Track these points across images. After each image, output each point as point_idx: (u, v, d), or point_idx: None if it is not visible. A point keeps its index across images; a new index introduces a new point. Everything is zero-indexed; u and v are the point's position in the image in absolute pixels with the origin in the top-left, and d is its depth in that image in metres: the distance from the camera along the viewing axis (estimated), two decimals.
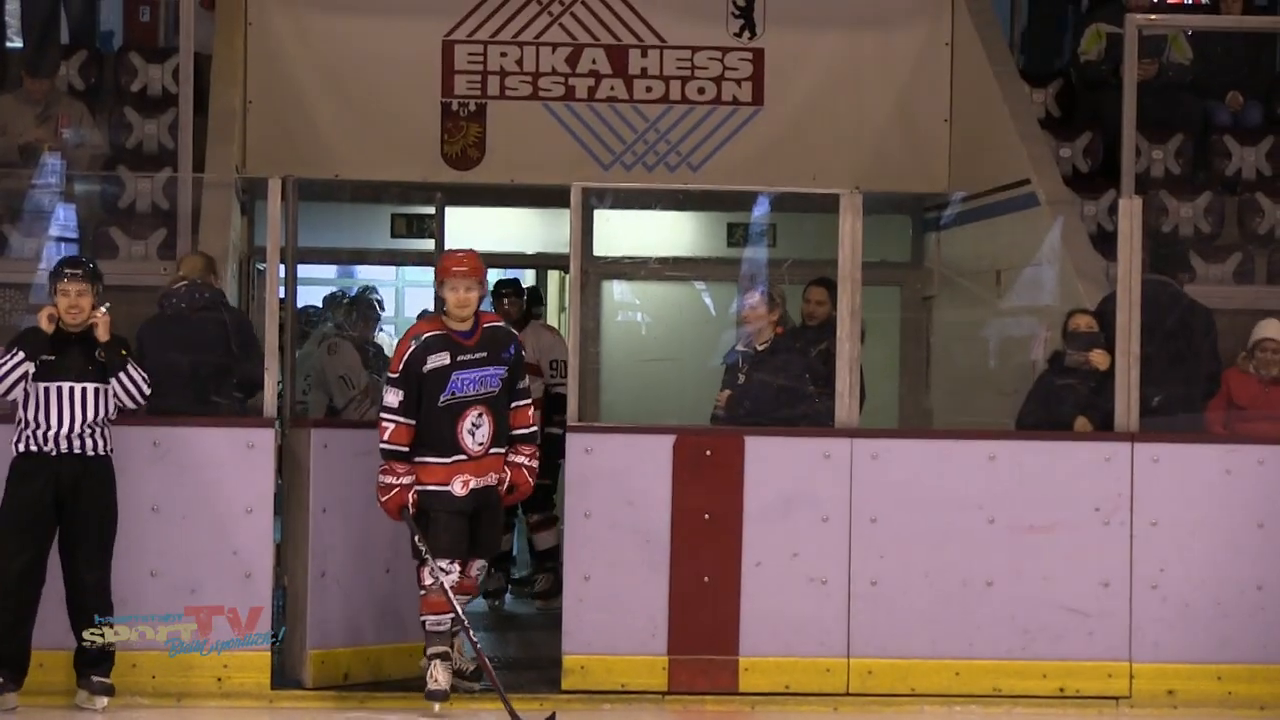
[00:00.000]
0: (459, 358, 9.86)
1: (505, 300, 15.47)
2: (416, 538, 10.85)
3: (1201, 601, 12.32)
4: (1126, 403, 12.48)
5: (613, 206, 14.47)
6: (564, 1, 15.51)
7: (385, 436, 11.12)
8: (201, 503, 12.55)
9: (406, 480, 10.80)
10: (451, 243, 16.64)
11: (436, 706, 10.92)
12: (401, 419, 10.64)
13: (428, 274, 15.93)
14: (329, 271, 17.44)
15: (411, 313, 19.41)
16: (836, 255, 12.84)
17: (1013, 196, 14.89)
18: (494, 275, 15.26)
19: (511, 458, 11.20)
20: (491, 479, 10.99)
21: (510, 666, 13.57)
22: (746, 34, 15.49)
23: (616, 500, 12.39)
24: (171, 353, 12.79)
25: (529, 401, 10.91)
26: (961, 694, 12.28)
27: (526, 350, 13.39)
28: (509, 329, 10.66)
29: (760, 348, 13.57)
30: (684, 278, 16.59)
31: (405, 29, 15.29)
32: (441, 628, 10.92)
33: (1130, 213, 12.83)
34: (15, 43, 17.67)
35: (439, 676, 10.97)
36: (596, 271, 13.42)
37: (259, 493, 12.62)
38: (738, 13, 15.39)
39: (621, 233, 15.21)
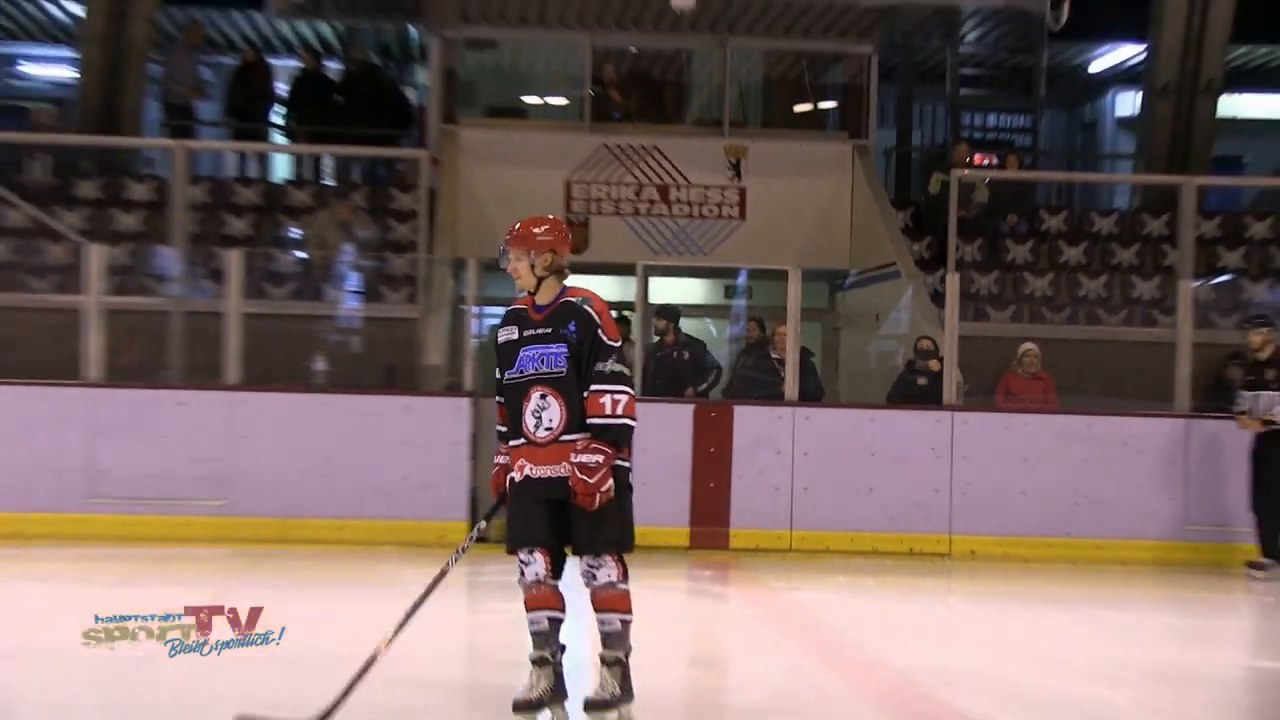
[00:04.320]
0: (525, 333, 6.33)
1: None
2: (479, 525, 6.73)
3: (991, 500, 12.56)
4: (950, 389, 12.86)
5: (659, 275, 14.74)
6: (633, 160, 15.75)
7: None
8: (433, 436, 12.78)
9: (502, 460, 6.55)
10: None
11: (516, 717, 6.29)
12: (498, 397, 6.61)
13: None
14: (500, 309, 17.48)
15: None
16: (786, 303, 13.32)
17: (885, 271, 15.06)
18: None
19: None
20: (563, 470, 6.23)
21: None
22: (736, 179, 15.78)
23: (664, 441, 12.65)
24: None
25: (605, 387, 6.22)
26: (854, 551, 12.39)
27: None
28: (581, 305, 6.38)
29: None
30: (699, 316, 16.89)
31: (545, 174, 15.39)
32: (537, 627, 6.35)
33: (952, 283, 13.10)
34: (328, 181, 17.58)
35: (530, 682, 6.35)
36: (649, 312, 13.73)
37: (463, 433, 12.74)
38: (731, 168, 15.67)
39: (664, 290, 15.48)
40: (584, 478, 6.06)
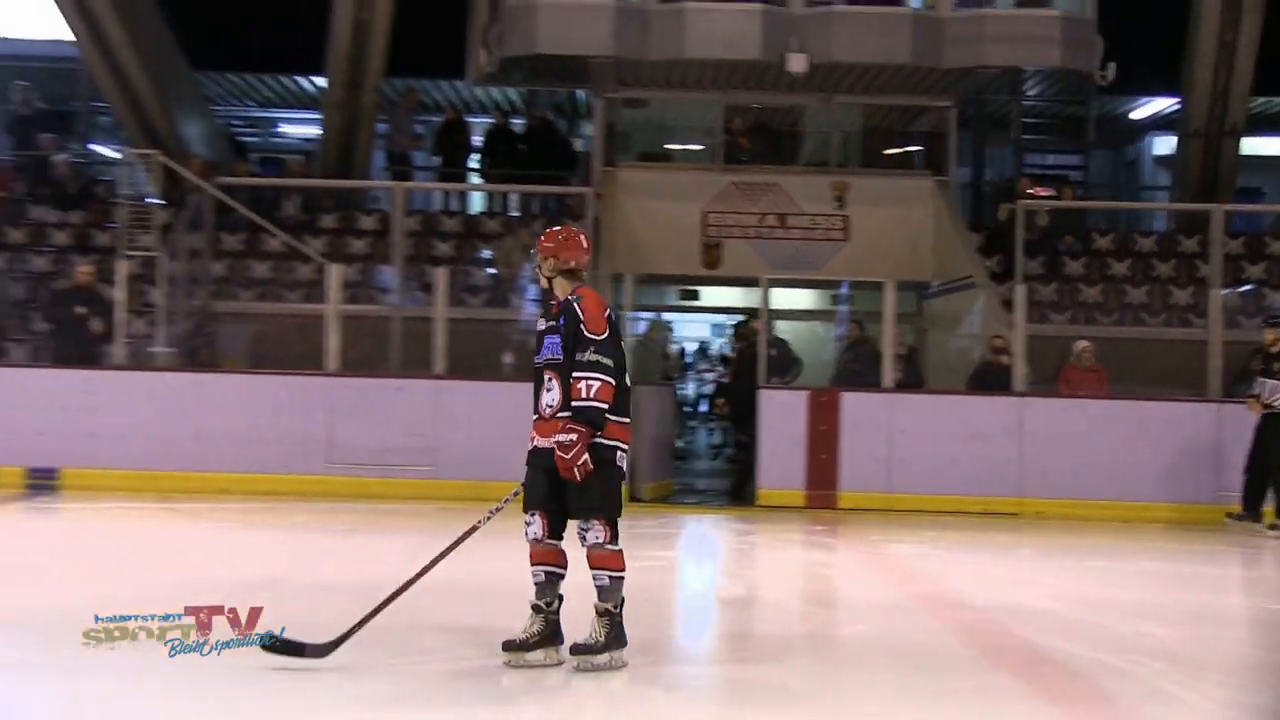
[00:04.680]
0: (544, 324, 6.06)
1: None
2: (515, 491, 6.20)
3: (1053, 469, 12.22)
4: (1019, 379, 12.49)
5: (778, 286, 14.50)
6: (757, 194, 15.45)
7: None
8: None
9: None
10: (704, 302, 16.87)
11: (504, 655, 5.99)
12: None
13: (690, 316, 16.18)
14: (650, 314, 17.24)
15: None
16: (882, 309, 13.04)
17: (963, 283, 14.68)
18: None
19: None
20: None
21: (729, 494, 13.49)
22: (840, 209, 15.47)
23: (785, 421, 12.48)
24: None
25: (582, 374, 5.85)
26: (941, 511, 12.05)
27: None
28: (573, 302, 5.96)
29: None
30: (810, 319, 16.66)
31: (686, 206, 15.06)
32: (537, 579, 6.02)
33: (1019, 292, 12.77)
34: (514, 212, 17.49)
35: (525, 625, 6.03)
36: (772, 316, 13.50)
37: None
38: (836, 200, 15.36)
39: (781, 298, 15.25)
40: (561, 454, 5.73)
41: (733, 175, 15.43)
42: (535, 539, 5.94)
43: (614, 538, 5.92)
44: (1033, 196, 15.85)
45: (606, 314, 5.92)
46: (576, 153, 17.72)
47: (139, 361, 13.39)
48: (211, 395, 12.70)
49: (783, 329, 14.27)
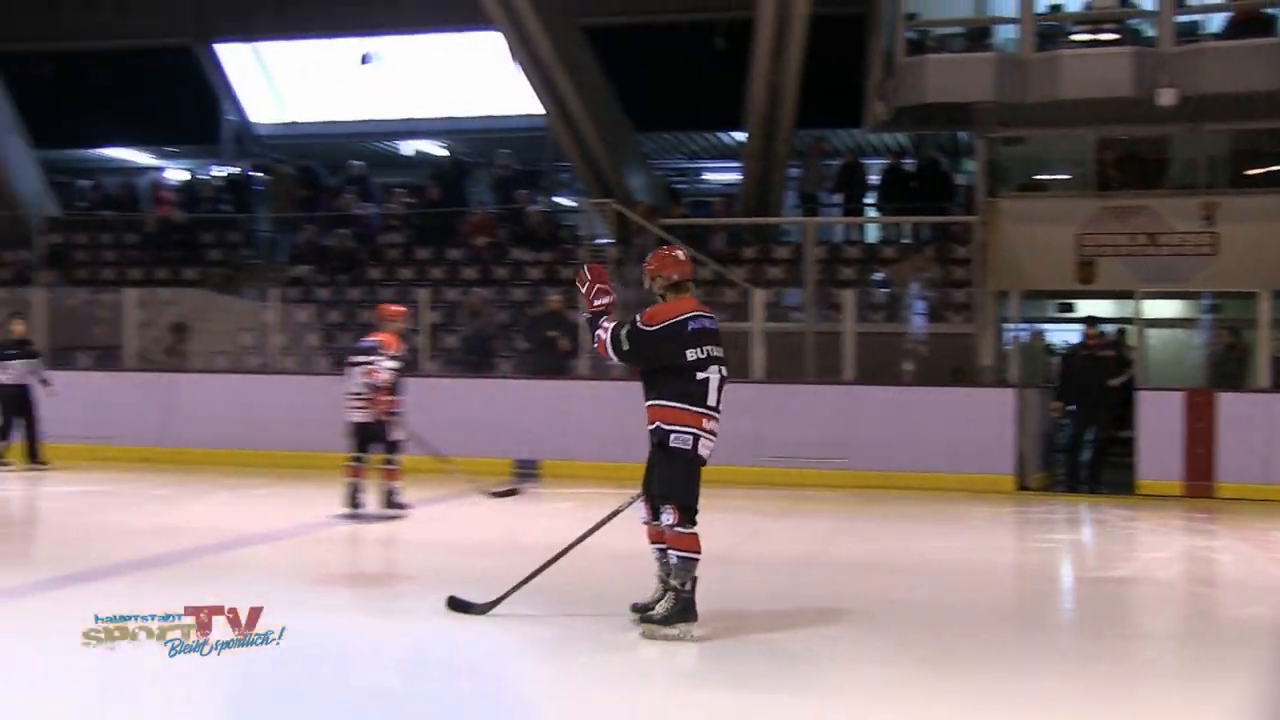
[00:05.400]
0: None
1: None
2: None
3: None
4: None
5: (1149, 299, 14.04)
6: (1127, 216, 14.72)
7: None
8: (987, 415, 12.57)
9: None
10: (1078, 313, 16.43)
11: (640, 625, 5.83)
12: None
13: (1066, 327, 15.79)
14: (1032, 326, 16.69)
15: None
16: (1257, 315, 12.50)
17: None
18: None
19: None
20: (650, 428, 5.79)
21: (1107, 484, 12.93)
22: (1209, 226, 14.74)
23: (1164, 419, 12.15)
24: None
25: (604, 331, 5.92)
26: None
27: None
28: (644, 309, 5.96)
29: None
30: (1176, 327, 15.96)
31: (1061, 230, 14.43)
32: (655, 555, 5.94)
33: None
34: (906, 240, 17.04)
35: (653, 592, 5.96)
36: (1143, 324, 13.11)
37: (1009, 412, 12.48)
38: (1204, 219, 14.65)
39: (1153, 308, 14.76)
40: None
41: (1104, 200, 14.92)
42: (644, 521, 5.97)
43: (684, 521, 5.74)
44: None
45: (672, 320, 5.77)
46: (958, 186, 17.47)
47: (600, 373, 13.85)
48: None
49: (1151, 336, 13.77)
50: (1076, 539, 10.57)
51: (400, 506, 9.97)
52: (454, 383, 14.01)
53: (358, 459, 9.87)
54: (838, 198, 17.78)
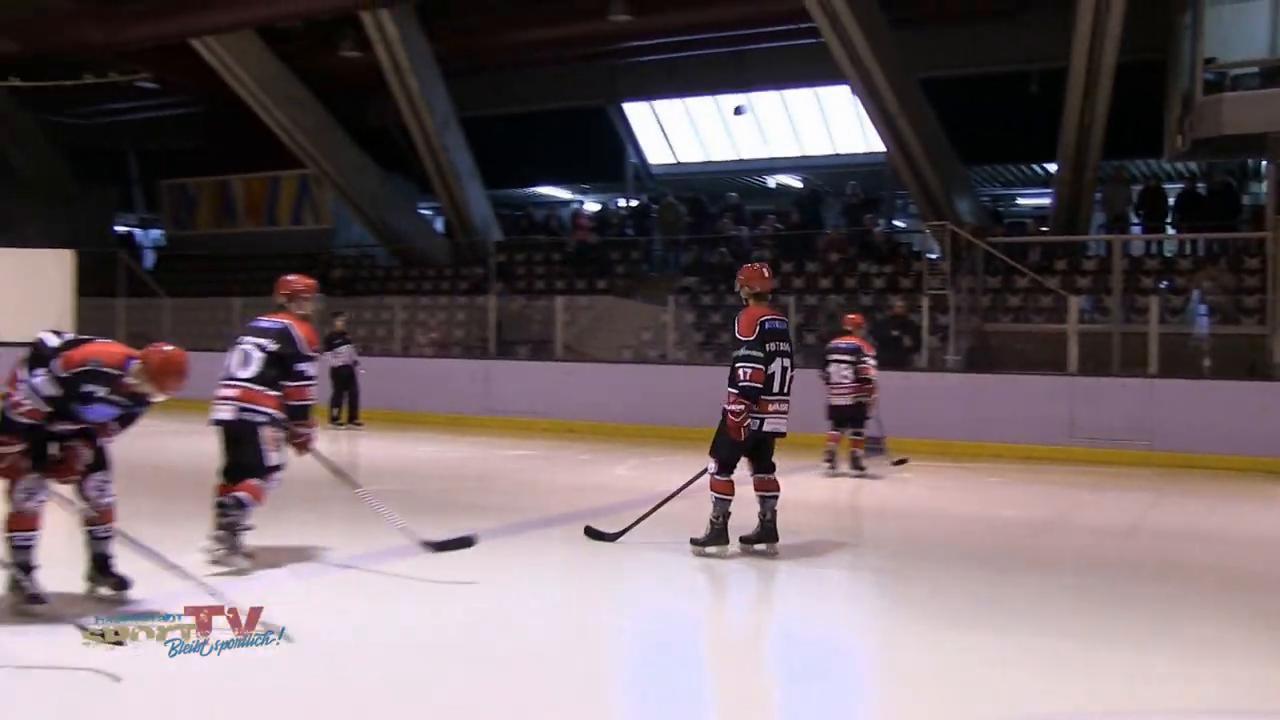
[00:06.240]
0: None
1: None
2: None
3: None
4: None
5: None
6: None
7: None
8: None
9: None
10: None
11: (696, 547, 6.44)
12: None
13: None
14: None
15: None
16: None
17: None
18: None
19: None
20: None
21: None
22: None
23: None
24: None
25: (739, 364, 6.17)
26: None
27: None
28: (737, 316, 6.36)
29: None
30: None
31: None
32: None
33: None
34: (1201, 254, 16.74)
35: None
36: None
37: None
38: None
39: None
40: (731, 418, 6.18)
41: None
42: (751, 474, 6.59)
43: (721, 469, 6.43)
44: None
45: (757, 324, 6.26)
46: (1244, 205, 17.49)
47: (937, 366, 14.38)
48: (987, 389, 13.39)
49: None
50: None
51: (862, 469, 10.82)
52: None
53: (850, 434, 10.78)
54: (1138, 218, 17.85)
